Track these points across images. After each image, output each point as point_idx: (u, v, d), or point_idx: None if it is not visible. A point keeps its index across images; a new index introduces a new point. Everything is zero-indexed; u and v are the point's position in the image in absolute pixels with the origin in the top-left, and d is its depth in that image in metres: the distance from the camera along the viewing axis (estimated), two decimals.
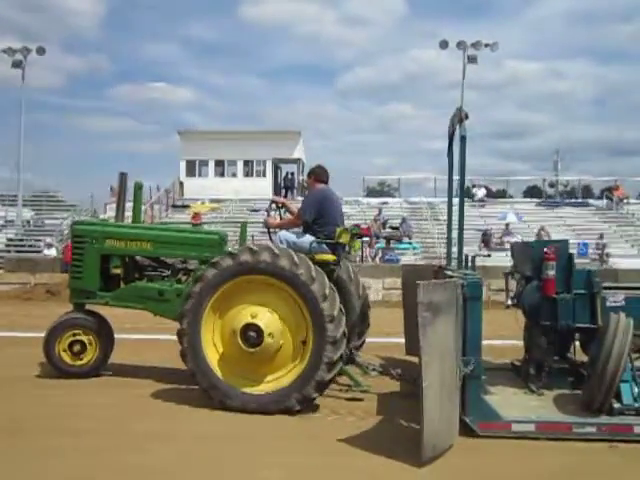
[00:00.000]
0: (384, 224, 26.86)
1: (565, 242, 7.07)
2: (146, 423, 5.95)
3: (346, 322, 7.33)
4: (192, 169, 35.80)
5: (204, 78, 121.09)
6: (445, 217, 7.80)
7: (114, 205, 26.42)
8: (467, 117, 6.58)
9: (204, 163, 35.89)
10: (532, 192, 38.66)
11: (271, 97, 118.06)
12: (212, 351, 6.47)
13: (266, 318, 6.27)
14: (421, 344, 5.02)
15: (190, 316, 6.38)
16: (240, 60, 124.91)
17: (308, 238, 6.95)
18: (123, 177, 7.81)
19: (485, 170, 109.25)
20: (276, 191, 34.48)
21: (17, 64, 29.05)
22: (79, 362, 7.39)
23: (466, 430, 5.58)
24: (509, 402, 6.29)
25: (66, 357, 7.36)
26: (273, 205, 7.59)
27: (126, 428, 5.79)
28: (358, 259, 23.81)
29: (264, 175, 35.70)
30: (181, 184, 35.04)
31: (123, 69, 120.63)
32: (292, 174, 36.27)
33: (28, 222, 29.29)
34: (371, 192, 40.02)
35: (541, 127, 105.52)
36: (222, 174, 35.81)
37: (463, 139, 6.46)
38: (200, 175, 35.87)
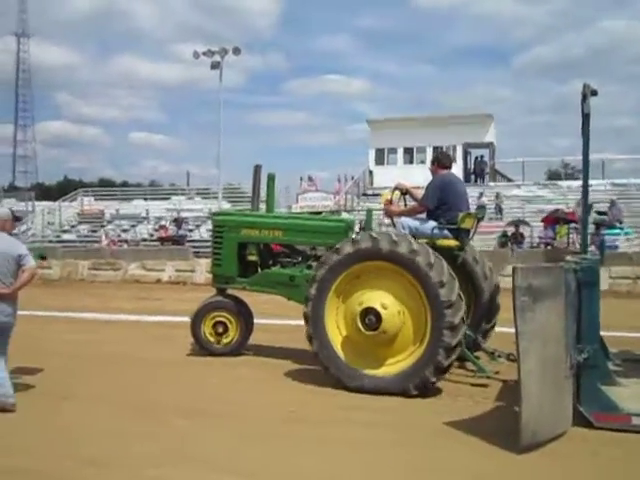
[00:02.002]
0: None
1: None
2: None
3: (474, 306, 7.51)
4: (381, 157, 36.43)
5: (377, 68, 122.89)
6: None
7: (306, 195, 27.87)
8: (595, 93, 6.41)
9: (393, 151, 36.34)
10: None
11: (444, 83, 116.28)
12: (335, 333, 6.96)
13: (385, 303, 6.61)
14: (519, 329, 5.09)
15: (314, 300, 6.92)
16: (412, 47, 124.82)
17: (430, 224, 7.20)
18: (257, 169, 8.52)
19: None
20: (466, 177, 34.06)
21: (215, 65, 31.44)
22: (222, 341, 8.29)
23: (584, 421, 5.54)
24: (638, 395, 6.03)
25: (210, 337, 8.29)
26: (397, 192, 7.86)
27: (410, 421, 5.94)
28: (564, 246, 23.03)
29: (454, 161, 35.36)
30: (370, 173, 35.80)
31: (298, 64, 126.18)
32: (482, 157, 35.60)
33: None
34: (553, 175, 38.12)
35: None
36: (411, 161, 36.02)
37: (587, 117, 6.31)
38: (389, 163, 36.35)
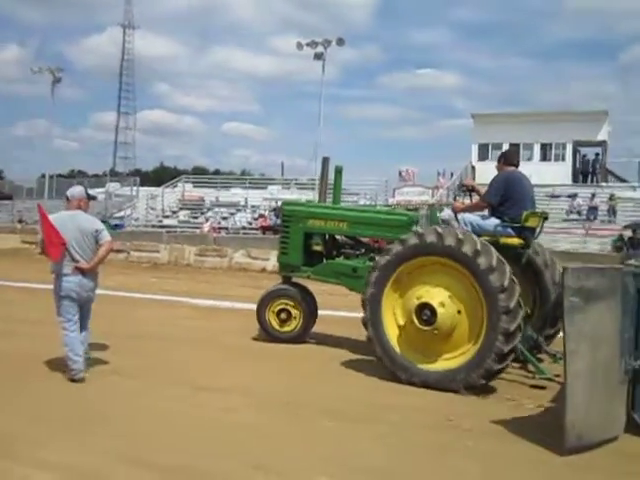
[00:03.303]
0: None
1: None
2: None
3: (539, 308, 7.54)
4: (485, 153, 36.03)
5: (471, 62, 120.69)
6: None
7: (403, 189, 28.02)
8: None
9: (497, 146, 35.74)
10: None
11: (543, 78, 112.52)
12: (391, 322, 7.12)
13: (442, 300, 6.71)
14: (566, 330, 5.14)
15: (373, 286, 7.12)
16: (509, 41, 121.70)
17: (493, 221, 7.27)
18: (325, 162, 8.82)
19: None
20: (575, 177, 33.19)
21: (318, 56, 31.94)
22: (285, 328, 8.66)
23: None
24: None
25: (274, 323, 8.68)
26: (463, 189, 7.94)
27: None
28: None
29: (563, 159, 34.61)
30: (473, 168, 35.41)
31: (392, 57, 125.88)
32: (597, 155, 34.44)
33: None
34: None
35: None
36: None
37: None
38: (492, 159, 35.78)
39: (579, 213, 29.22)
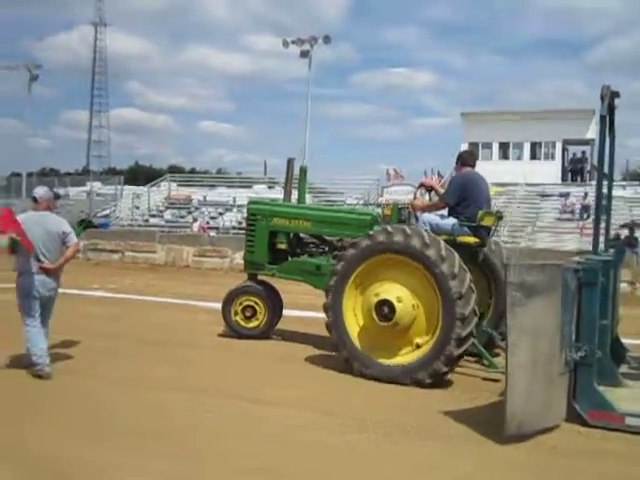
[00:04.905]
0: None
1: None
2: None
3: (495, 304, 7.96)
4: (475, 152, 36.32)
5: (443, 60, 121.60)
6: None
7: (392, 188, 28.00)
8: (617, 95, 6.67)
9: (487, 145, 36.25)
10: None
11: (513, 76, 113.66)
12: (353, 323, 7.59)
13: (399, 295, 7.16)
14: (509, 323, 5.56)
15: (334, 291, 7.58)
16: (481, 39, 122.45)
17: (451, 220, 7.71)
18: (290, 162, 9.22)
19: None
20: (564, 175, 33.60)
21: (305, 54, 32.37)
22: (250, 325, 9.09)
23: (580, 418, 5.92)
24: (636, 397, 6.31)
25: (240, 320, 9.11)
26: (422, 188, 8.34)
27: None
28: None
29: (552, 158, 35.03)
30: None
31: (366, 56, 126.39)
32: (583, 153, 34.91)
33: None
34: (633, 176, 36.81)
35: None
36: (506, 157, 35.86)
37: (602, 119, 6.57)
38: (482, 158, 36.20)
39: (572, 212, 29.57)
